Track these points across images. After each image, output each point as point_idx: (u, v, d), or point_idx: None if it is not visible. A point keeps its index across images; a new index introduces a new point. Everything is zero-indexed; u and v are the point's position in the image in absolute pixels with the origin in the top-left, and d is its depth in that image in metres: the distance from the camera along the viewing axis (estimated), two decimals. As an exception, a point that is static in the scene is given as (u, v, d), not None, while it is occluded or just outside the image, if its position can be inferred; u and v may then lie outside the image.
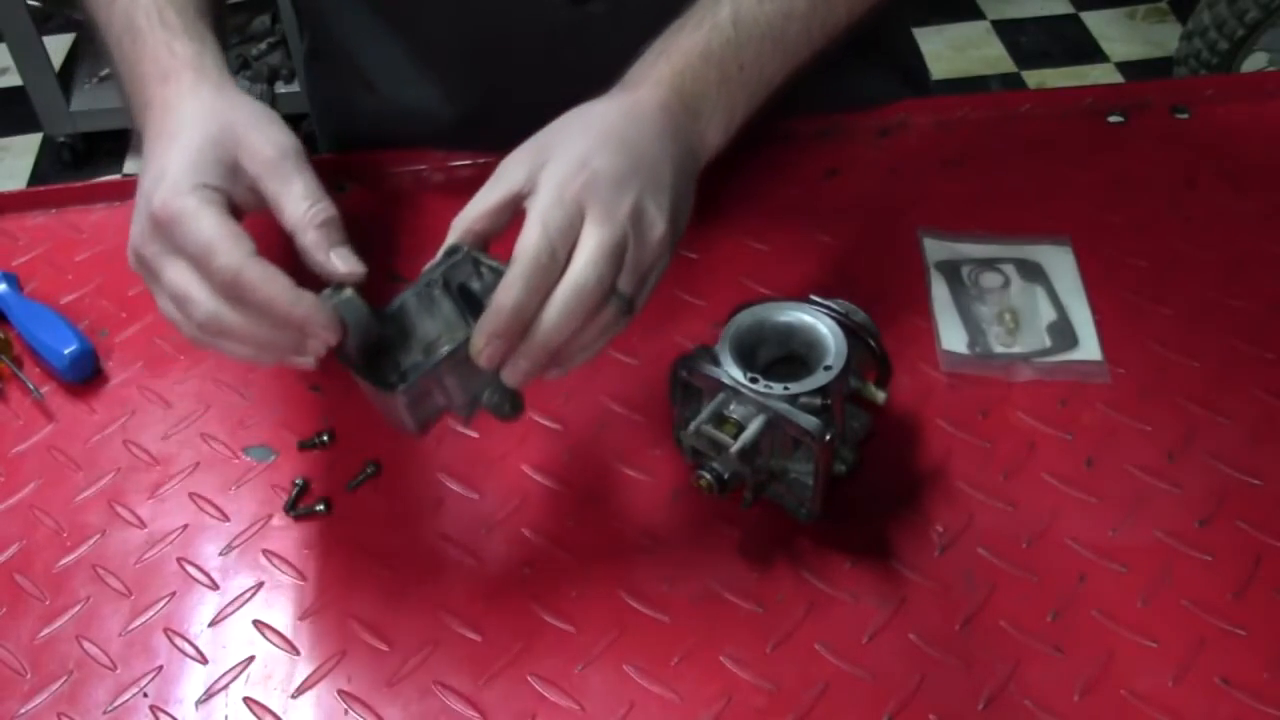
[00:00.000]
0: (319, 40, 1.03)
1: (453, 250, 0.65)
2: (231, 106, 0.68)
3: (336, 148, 1.05)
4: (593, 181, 0.62)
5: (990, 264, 0.86)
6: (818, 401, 0.65)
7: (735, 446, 0.64)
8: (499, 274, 0.62)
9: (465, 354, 0.62)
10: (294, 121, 0.74)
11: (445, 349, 0.62)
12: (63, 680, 0.67)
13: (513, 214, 0.64)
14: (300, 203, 0.64)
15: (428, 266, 0.65)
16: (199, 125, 0.67)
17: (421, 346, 0.65)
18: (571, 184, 0.62)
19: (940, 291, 0.85)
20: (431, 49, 0.93)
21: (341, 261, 0.63)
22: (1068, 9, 2.94)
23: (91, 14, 0.78)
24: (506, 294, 0.60)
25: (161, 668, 0.67)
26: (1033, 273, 0.86)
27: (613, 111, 0.67)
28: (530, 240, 0.60)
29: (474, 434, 0.78)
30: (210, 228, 0.62)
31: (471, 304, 0.65)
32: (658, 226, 0.64)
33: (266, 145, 0.66)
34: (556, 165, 0.63)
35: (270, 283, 0.61)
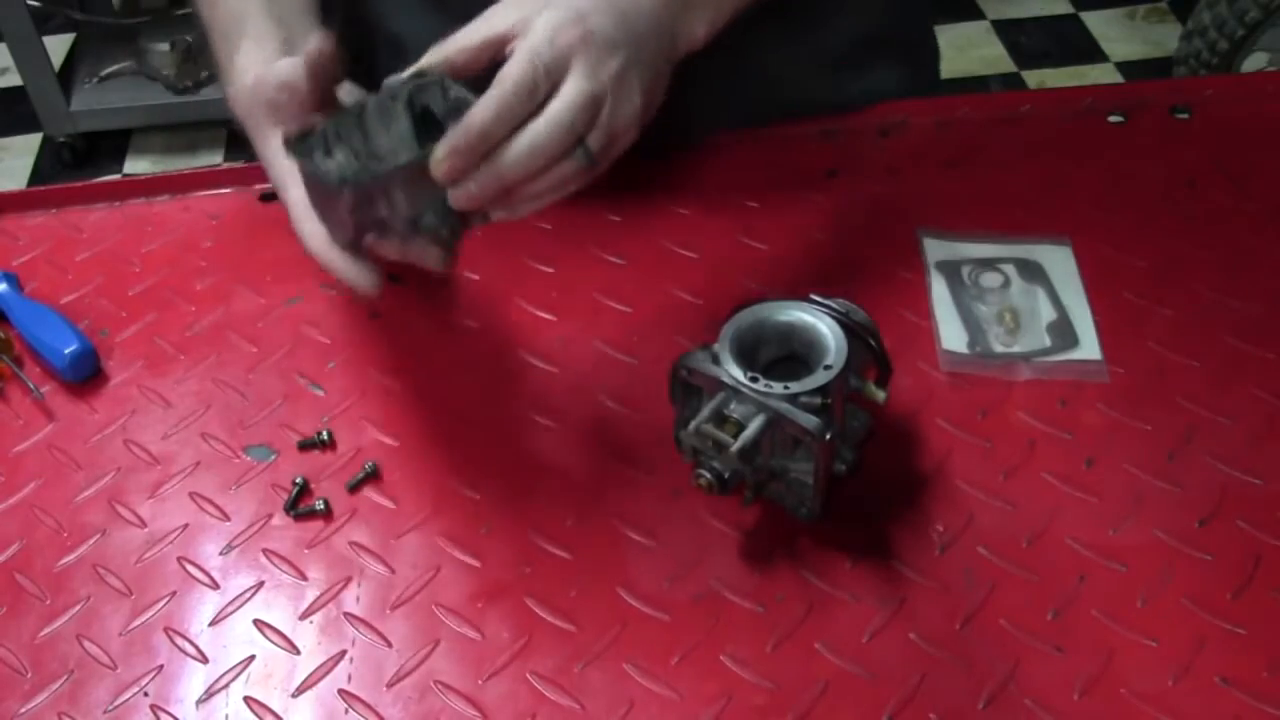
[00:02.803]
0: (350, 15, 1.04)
1: (421, 73, 0.66)
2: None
3: None
4: (586, 36, 0.64)
5: (990, 264, 0.86)
6: (818, 401, 0.65)
7: (735, 446, 0.64)
8: (464, 101, 0.64)
9: (418, 170, 0.63)
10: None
11: (402, 158, 0.63)
12: (63, 680, 0.67)
13: (492, 56, 0.66)
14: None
15: (392, 79, 0.67)
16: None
17: (364, 154, 0.67)
18: (566, 32, 0.64)
19: (940, 291, 0.85)
20: (460, 22, 0.94)
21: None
22: (1068, 9, 2.94)
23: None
24: (480, 114, 0.62)
25: (162, 667, 0.67)
26: (1033, 273, 0.86)
27: None
28: (515, 69, 0.63)
29: (474, 434, 0.78)
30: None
31: (429, 127, 0.67)
32: (634, 98, 0.66)
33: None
34: (553, 12, 0.65)
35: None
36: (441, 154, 0.62)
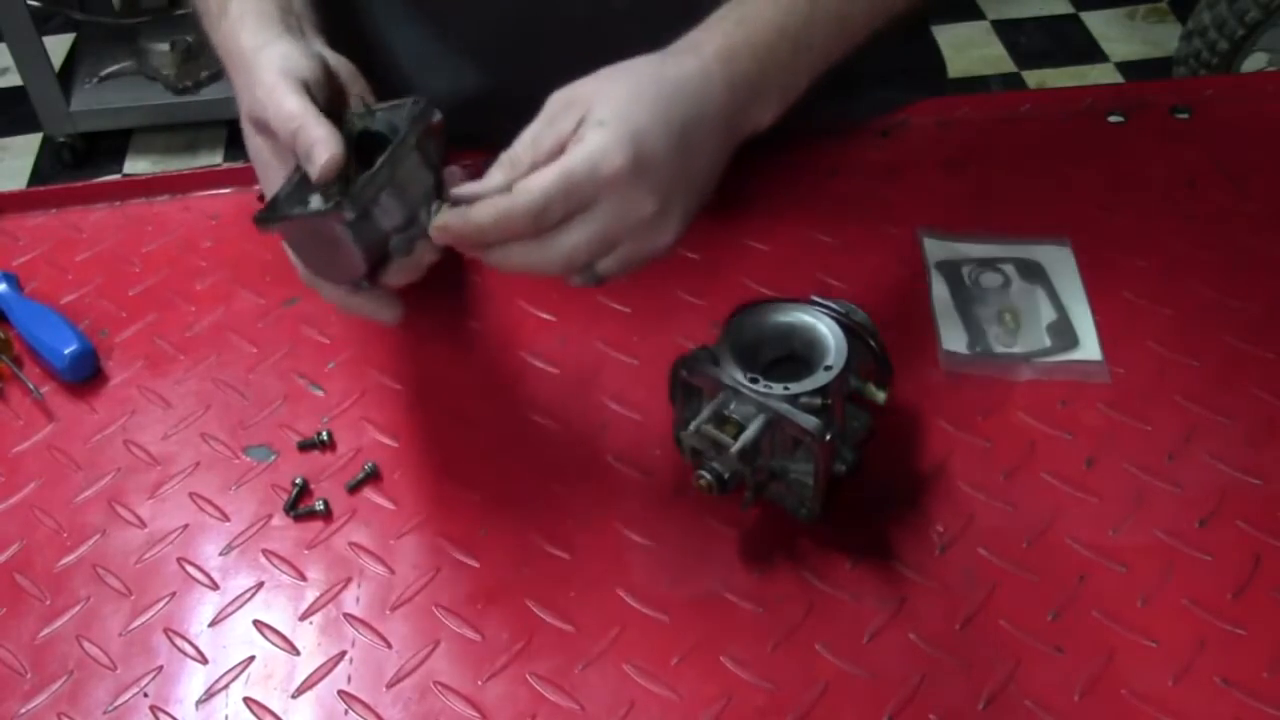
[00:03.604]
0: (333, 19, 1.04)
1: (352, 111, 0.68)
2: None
3: None
4: (632, 168, 0.62)
5: (990, 264, 0.86)
6: (818, 401, 0.65)
7: (735, 446, 0.64)
8: (396, 108, 0.65)
9: (396, 168, 0.63)
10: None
11: (379, 161, 0.63)
12: (63, 680, 0.67)
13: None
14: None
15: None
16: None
17: (331, 196, 0.66)
18: (610, 161, 0.61)
19: (940, 291, 0.85)
20: (451, 34, 0.93)
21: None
22: (1068, 9, 2.94)
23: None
24: (483, 213, 0.62)
25: (162, 668, 0.67)
26: (1033, 273, 0.86)
27: (682, 84, 0.66)
28: (538, 185, 0.61)
29: (474, 435, 0.78)
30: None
31: (373, 152, 0.66)
32: (666, 236, 0.64)
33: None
34: (608, 133, 0.62)
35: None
36: (439, 223, 0.63)
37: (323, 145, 0.63)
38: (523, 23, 0.89)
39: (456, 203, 0.64)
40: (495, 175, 0.64)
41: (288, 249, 0.69)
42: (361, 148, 0.66)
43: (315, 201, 0.65)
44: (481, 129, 0.96)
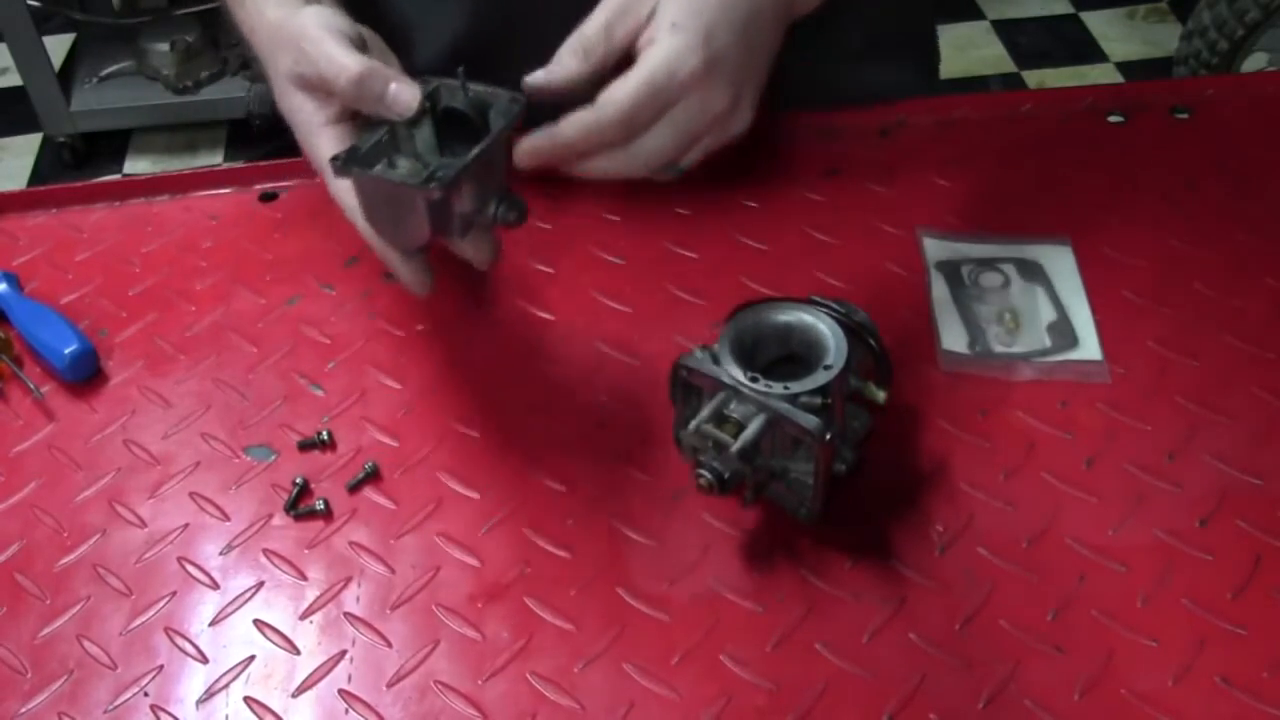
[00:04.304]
0: None
1: (427, 78, 0.67)
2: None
3: None
4: (709, 66, 0.64)
5: (990, 264, 0.86)
6: (818, 401, 0.65)
7: (735, 446, 0.64)
8: (489, 94, 0.66)
9: (485, 160, 0.64)
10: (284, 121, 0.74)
11: (474, 150, 0.64)
12: (63, 680, 0.67)
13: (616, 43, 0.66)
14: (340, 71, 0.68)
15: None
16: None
17: (413, 162, 0.67)
18: (687, 63, 0.63)
19: (940, 291, 0.85)
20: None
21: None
22: (1068, 9, 2.94)
23: None
24: (571, 129, 0.63)
25: (162, 667, 0.67)
26: (1033, 273, 0.86)
27: None
28: (624, 95, 0.62)
29: (474, 434, 0.78)
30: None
31: (452, 131, 0.67)
32: (741, 120, 0.66)
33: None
34: (680, 36, 0.64)
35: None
36: (525, 147, 0.64)
37: (402, 88, 0.65)
38: None
39: (536, 101, 0.64)
40: (568, 61, 0.66)
41: (351, 202, 0.70)
42: (443, 120, 0.68)
43: (402, 166, 0.66)
44: (478, 72, 0.97)
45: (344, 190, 0.71)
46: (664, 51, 0.64)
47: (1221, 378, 0.79)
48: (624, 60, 0.66)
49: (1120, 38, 2.85)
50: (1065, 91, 1.05)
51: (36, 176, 2.59)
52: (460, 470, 0.76)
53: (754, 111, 0.68)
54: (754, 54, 0.67)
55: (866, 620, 0.67)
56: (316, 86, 0.69)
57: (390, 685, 0.66)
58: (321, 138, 0.71)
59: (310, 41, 0.68)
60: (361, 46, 0.70)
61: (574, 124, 0.63)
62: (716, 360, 0.67)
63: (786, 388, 0.65)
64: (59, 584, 0.71)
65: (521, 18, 0.93)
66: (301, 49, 0.69)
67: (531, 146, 0.65)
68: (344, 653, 0.68)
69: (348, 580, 0.71)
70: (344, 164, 0.65)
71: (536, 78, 0.66)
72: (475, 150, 0.64)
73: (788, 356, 0.70)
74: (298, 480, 0.75)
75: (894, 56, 0.99)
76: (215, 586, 0.71)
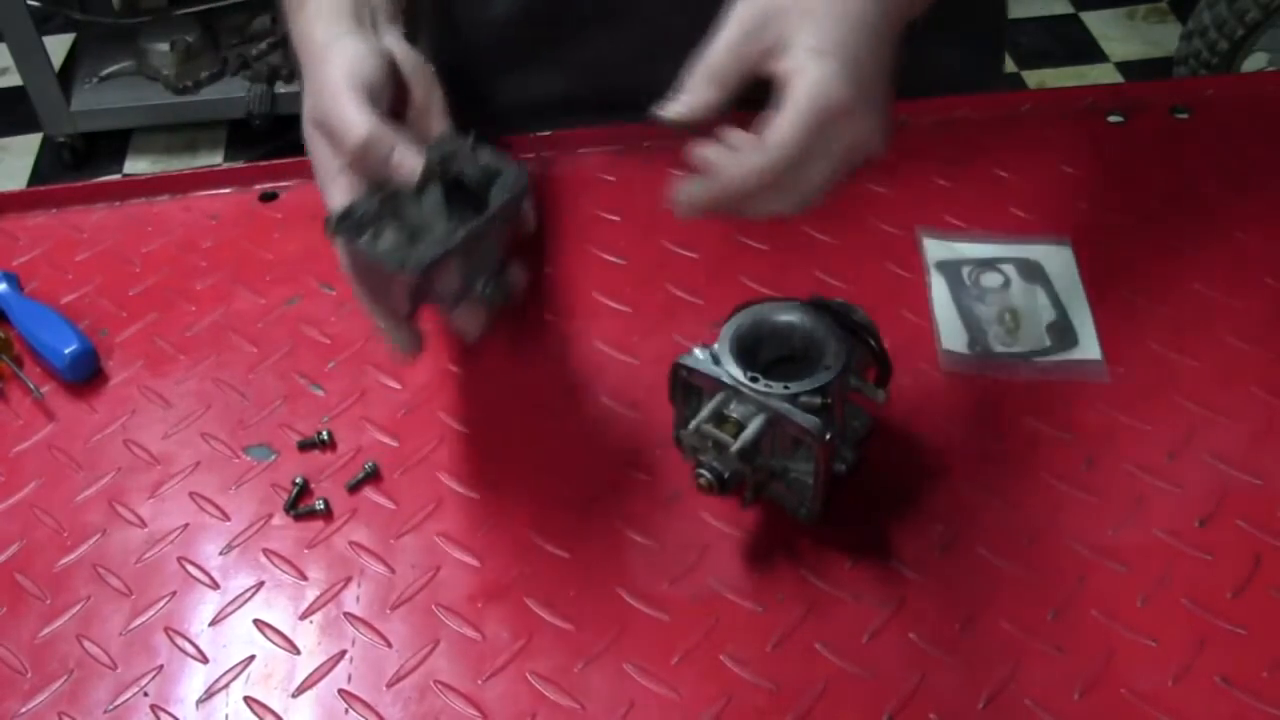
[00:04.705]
0: None
1: (443, 139, 0.67)
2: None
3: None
4: (855, 99, 0.61)
5: (990, 264, 0.86)
6: (818, 401, 0.65)
7: (735, 446, 0.64)
8: (497, 166, 0.65)
9: (476, 240, 0.64)
10: (291, 122, 0.75)
11: (460, 234, 0.63)
12: (63, 680, 0.67)
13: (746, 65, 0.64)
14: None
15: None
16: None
17: (407, 229, 0.66)
18: (838, 95, 0.61)
19: (940, 291, 0.85)
20: None
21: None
22: (1068, 9, 2.94)
23: None
24: (732, 174, 0.61)
25: (162, 667, 0.67)
26: (1033, 273, 0.86)
27: None
28: (782, 144, 0.60)
29: (474, 434, 0.78)
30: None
31: (459, 197, 0.66)
32: (881, 143, 0.64)
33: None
34: (828, 64, 0.61)
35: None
36: (685, 192, 0.62)
37: (405, 156, 0.65)
38: None
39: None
40: (704, 90, 0.63)
41: (343, 260, 0.69)
42: (453, 183, 0.67)
43: (389, 238, 0.65)
44: (531, 47, 0.96)
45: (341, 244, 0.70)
46: (816, 81, 0.61)
47: (1221, 378, 0.79)
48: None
49: (1120, 38, 2.85)
50: (1065, 91, 1.05)
51: (36, 176, 2.58)
52: (460, 470, 0.76)
53: (889, 127, 0.65)
54: (886, 73, 0.65)
55: (866, 620, 0.67)
56: (330, 135, 0.69)
57: (390, 685, 0.66)
58: (334, 185, 0.70)
59: (329, 92, 0.67)
60: (387, 87, 0.69)
61: (742, 168, 0.61)
62: (716, 360, 0.67)
63: (786, 388, 0.65)
64: (59, 584, 0.71)
65: None
66: (320, 99, 0.68)
67: (692, 198, 0.62)
68: (344, 653, 0.68)
69: (348, 580, 0.71)
70: (333, 227, 0.65)
71: (675, 111, 0.63)
72: (461, 233, 0.64)
73: (788, 356, 0.70)
74: (298, 480, 0.75)
75: (961, 35, 0.97)
76: (215, 586, 0.71)
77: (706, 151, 0.63)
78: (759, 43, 0.63)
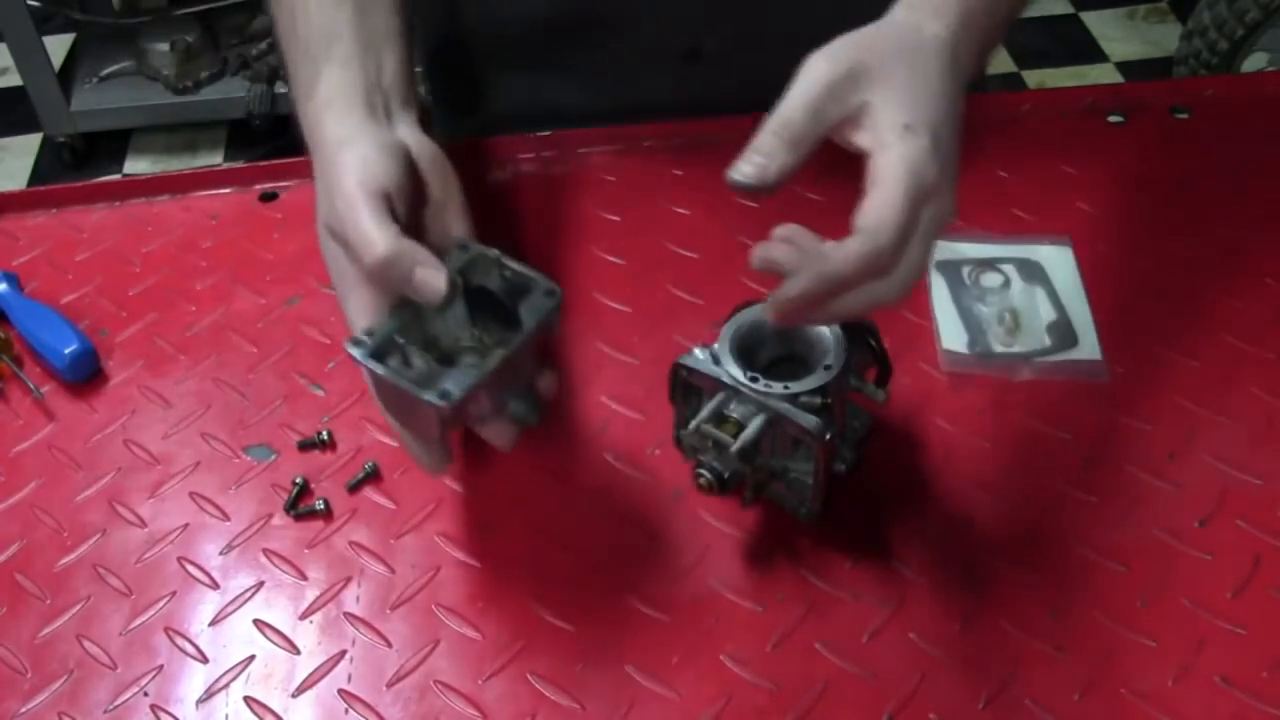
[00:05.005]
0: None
1: (465, 246, 0.64)
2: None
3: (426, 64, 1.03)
4: (942, 174, 0.59)
5: (990, 264, 0.86)
6: (818, 401, 0.65)
7: (735, 446, 0.64)
8: (524, 278, 0.62)
9: (507, 366, 0.61)
10: (291, 122, 0.74)
11: (495, 361, 0.61)
12: (63, 680, 0.67)
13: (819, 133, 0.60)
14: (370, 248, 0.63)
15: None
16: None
17: (427, 344, 0.64)
18: (928, 171, 0.58)
19: (940, 291, 0.85)
20: None
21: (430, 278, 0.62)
22: (1068, 9, 2.94)
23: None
24: (839, 265, 0.57)
25: (162, 667, 0.67)
26: (1033, 273, 0.86)
27: (941, 59, 0.62)
28: (887, 224, 0.57)
29: (473, 433, 0.78)
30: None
31: (482, 305, 0.64)
32: (950, 217, 0.61)
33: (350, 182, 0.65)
34: (918, 140, 0.58)
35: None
36: (786, 296, 0.58)
37: (428, 275, 0.61)
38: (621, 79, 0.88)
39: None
40: (780, 153, 0.58)
41: (368, 382, 0.67)
42: (477, 292, 0.64)
43: (418, 362, 0.62)
44: (551, 51, 0.96)
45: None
46: (908, 160, 0.58)
47: (1221, 378, 0.79)
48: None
49: (1120, 38, 2.85)
50: (1065, 91, 1.05)
51: (36, 176, 2.59)
52: (459, 470, 0.76)
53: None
54: (958, 141, 0.62)
55: (866, 620, 0.67)
56: (346, 248, 0.65)
57: (390, 685, 0.66)
58: (353, 296, 0.66)
59: (345, 203, 0.63)
60: (403, 188, 0.66)
61: (847, 258, 0.57)
62: (716, 360, 0.67)
63: (786, 388, 0.65)
64: (59, 584, 0.71)
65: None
66: (335, 205, 0.64)
67: (789, 301, 0.58)
68: (344, 653, 0.68)
69: (348, 580, 0.71)
70: (352, 349, 0.62)
71: (745, 174, 0.58)
72: (494, 362, 0.61)
73: (788, 356, 0.70)
74: (298, 480, 0.75)
75: None
76: (215, 586, 0.71)
77: (773, 253, 0.60)
78: (842, 107, 0.59)
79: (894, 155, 0.58)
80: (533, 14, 0.93)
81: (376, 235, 0.61)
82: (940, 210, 0.60)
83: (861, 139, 0.60)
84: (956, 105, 0.62)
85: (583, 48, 0.91)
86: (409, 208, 0.66)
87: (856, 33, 0.62)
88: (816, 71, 0.59)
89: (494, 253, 0.64)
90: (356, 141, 0.66)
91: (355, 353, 0.62)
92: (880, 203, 0.57)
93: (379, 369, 0.61)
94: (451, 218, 0.69)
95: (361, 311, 0.65)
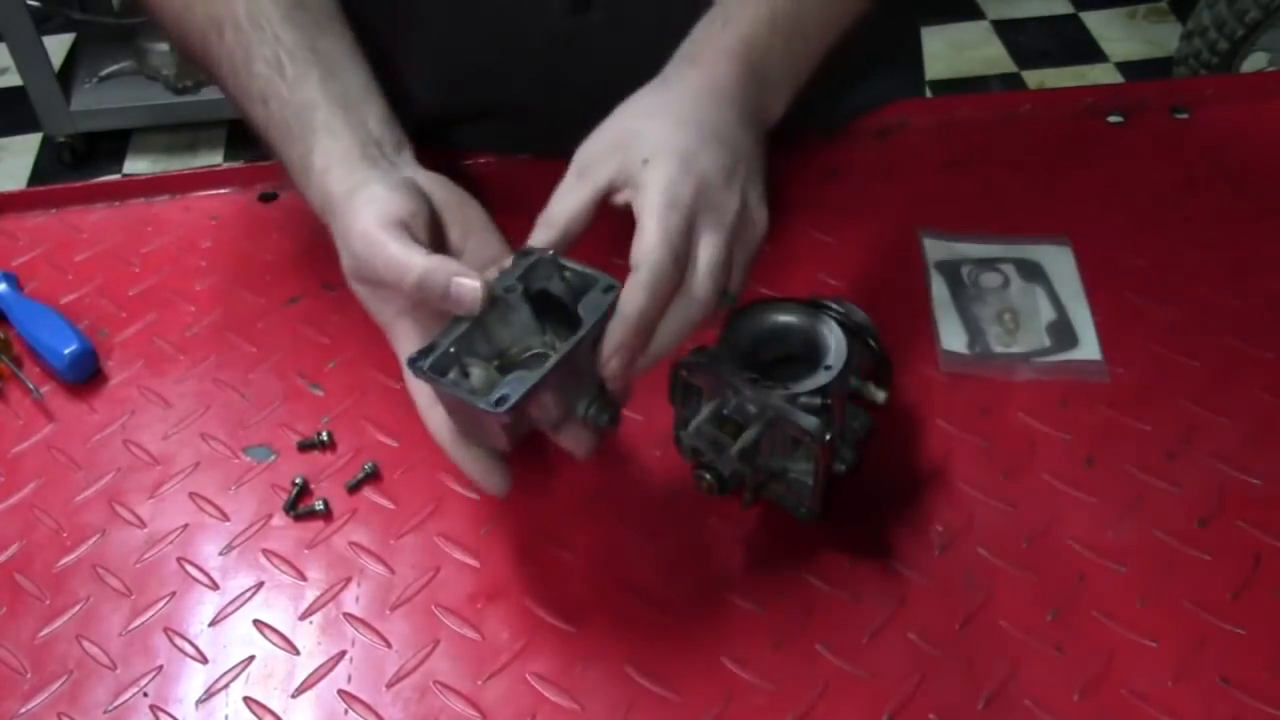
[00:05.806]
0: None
1: (526, 251, 0.64)
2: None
3: None
4: (702, 185, 0.62)
5: (990, 264, 0.86)
6: (818, 401, 0.65)
7: (735, 446, 0.64)
8: (585, 277, 0.63)
9: (568, 366, 0.61)
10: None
11: (551, 362, 0.60)
12: (63, 680, 0.67)
13: (599, 211, 0.65)
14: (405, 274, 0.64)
15: (501, 269, 0.64)
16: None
17: (495, 355, 0.64)
18: (683, 188, 0.62)
19: (940, 291, 0.85)
20: (431, 42, 0.92)
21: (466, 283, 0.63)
22: (1068, 9, 2.94)
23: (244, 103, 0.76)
24: (633, 304, 0.60)
25: (161, 667, 0.67)
26: (1033, 273, 0.86)
27: (695, 95, 0.67)
28: (653, 248, 0.60)
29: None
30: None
31: (550, 308, 0.64)
32: (760, 220, 0.65)
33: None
34: (663, 167, 0.62)
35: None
36: (609, 352, 0.61)
37: (463, 285, 0.61)
38: (498, 34, 0.88)
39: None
40: (540, 234, 0.64)
41: (423, 402, 0.67)
42: (539, 296, 0.65)
43: (476, 374, 0.62)
44: (463, 139, 0.96)
45: (418, 389, 0.67)
46: (655, 185, 0.62)
47: (1221, 378, 0.79)
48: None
49: (1120, 38, 2.85)
50: (1065, 91, 1.05)
51: (36, 176, 2.59)
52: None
53: (768, 210, 0.67)
54: (738, 154, 0.65)
55: (866, 620, 0.67)
56: (380, 286, 0.66)
57: (390, 685, 0.66)
58: (397, 330, 0.68)
59: (364, 243, 0.64)
60: (419, 217, 0.67)
61: (635, 294, 0.60)
62: (716, 360, 0.67)
63: (786, 388, 0.65)
64: (59, 584, 0.71)
65: (493, 97, 0.92)
66: (356, 253, 0.65)
67: (613, 356, 0.61)
68: (344, 653, 0.68)
69: (347, 580, 0.71)
70: (415, 368, 0.61)
71: (539, 241, 0.64)
72: (549, 364, 0.60)
73: (788, 356, 0.70)
74: (297, 480, 0.75)
75: (881, 71, 0.99)
76: (215, 587, 0.71)
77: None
78: (591, 179, 0.65)
79: (643, 189, 0.62)
80: (434, 106, 0.92)
81: (405, 258, 0.62)
82: (724, 212, 0.63)
83: (621, 198, 0.64)
84: (721, 126, 0.66)
85: (500, 121, 0.91)
86: (432, 235, 0.67)
87: (610, 120, 0.67)
88: (566, 182, 0.66)
89: (550, 254, 0.64)
90: (364, 187, 0.67)
91: (413, 370, 0.61)
92: (642, 233, 0.61)
93: (438, 382, 0.61)
94: (480, 236, 0.70)
95: (409, 342, 0.66)
